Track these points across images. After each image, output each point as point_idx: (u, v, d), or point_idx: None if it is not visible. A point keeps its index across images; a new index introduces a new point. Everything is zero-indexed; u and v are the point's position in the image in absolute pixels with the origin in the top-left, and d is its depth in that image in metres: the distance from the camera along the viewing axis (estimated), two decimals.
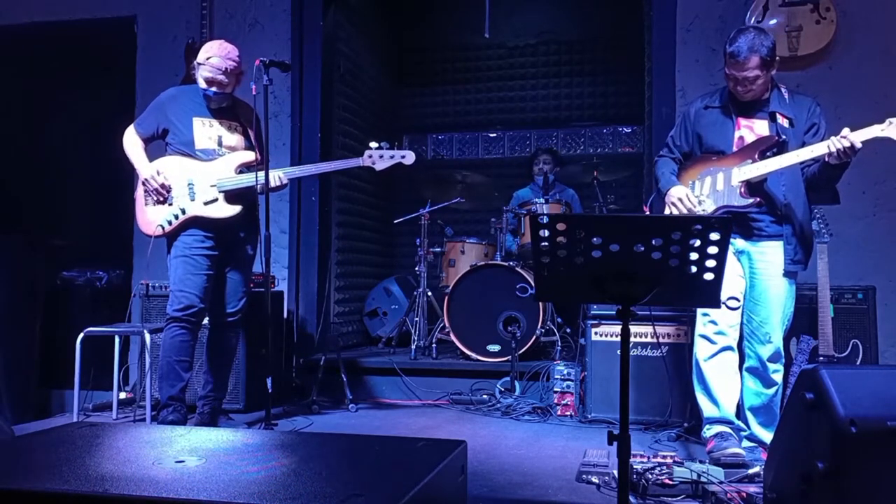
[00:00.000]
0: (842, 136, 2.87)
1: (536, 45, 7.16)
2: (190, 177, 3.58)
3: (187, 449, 2.16)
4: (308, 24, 5.16)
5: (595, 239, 1.93)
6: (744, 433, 3.25)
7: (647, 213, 3.74)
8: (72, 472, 1.88)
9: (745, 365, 3.25)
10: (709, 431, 3.21)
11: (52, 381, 4.47)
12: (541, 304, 4.67)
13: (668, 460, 2.82)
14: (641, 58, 5.09)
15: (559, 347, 4.84)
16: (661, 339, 3.86)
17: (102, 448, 2.17)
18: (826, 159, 2.96)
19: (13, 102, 5.39)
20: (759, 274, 3.18)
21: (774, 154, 3.06)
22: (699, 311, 3.30)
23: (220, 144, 3.65)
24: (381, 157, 3.68)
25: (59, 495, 1.71)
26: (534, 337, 4.68)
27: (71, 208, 5.48)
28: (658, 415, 3.83)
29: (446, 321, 4.86)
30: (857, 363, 3.67)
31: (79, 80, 5.31)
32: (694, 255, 1.94)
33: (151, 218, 3.59)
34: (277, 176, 3.59)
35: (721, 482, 2.61)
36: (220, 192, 3.58)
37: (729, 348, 3.20)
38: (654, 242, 1.92)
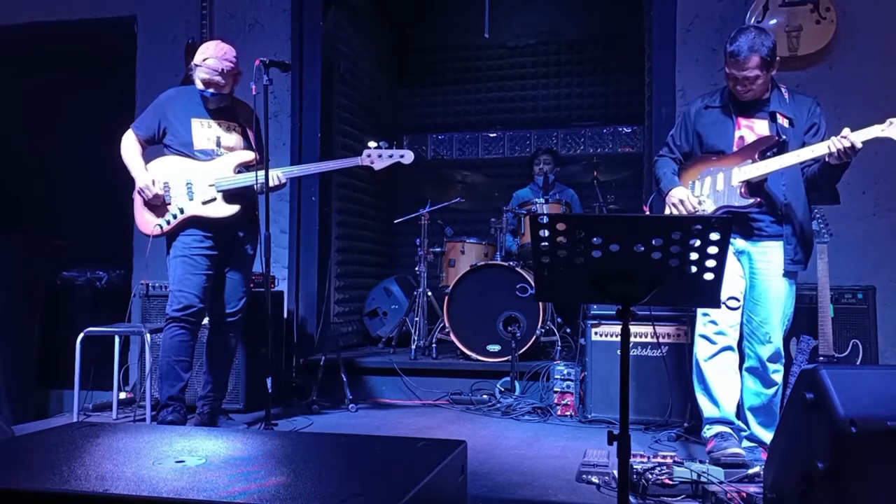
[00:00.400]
0: (842, 137, 2.87)
1: (536, 45, 7.16)
2: (188, 176, 3.58)
3: (187, 449, 2.16)
4: (308, 24, 5.16)
5: (595, 239, 1.93)
6: (744, 433, 3.25)
7: (647, 213, 3.74)
8: (72, 472, 1.88)
9: (745, 365, 3.25)
10: (709, 431, 3.21)
11: (52, 381, 4.47)
12: (541, 304, 4.67)
13: (668, 460, 2.82)
14: (641, 58, 5.09)
15: (559, 347, 4.84)
16: (661, 339, 3.86)
17: (102, 448, 2.17)
18: (826, 159, 2.96)
19: (13, 102, 5.39)
20: (759, 274, 3.17)
21: (775, 154, 3.06)
22: (699, 311, 3.30)
23: (218, 145, 3.65)
24: (379, 156, 3.69)
25: (59, 495, 1.71)
26: (534, 337, 4.67)
27: (71, 208, 5.48)
28: (658, 415, 3.83)
29: (446, 321, 4.86)
30: (857, 363, 3.67)
31: (79, 81, 5.32)
32: (694, 255, 1.94)
33: (150, 218, 3.60)
34: (276, 175, 3.59)
35: (721, 482, 2.61)
36: (218, 191, 3.58)
37: (729, 348, 3.20)
38: (654, 242, 1.92)
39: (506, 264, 4.83)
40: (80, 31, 5.31)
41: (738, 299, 3.18)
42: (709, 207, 3.17)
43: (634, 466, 2.68)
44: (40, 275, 4.55)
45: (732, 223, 2.02)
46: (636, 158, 6.07)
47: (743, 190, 3.12)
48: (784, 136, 3.10)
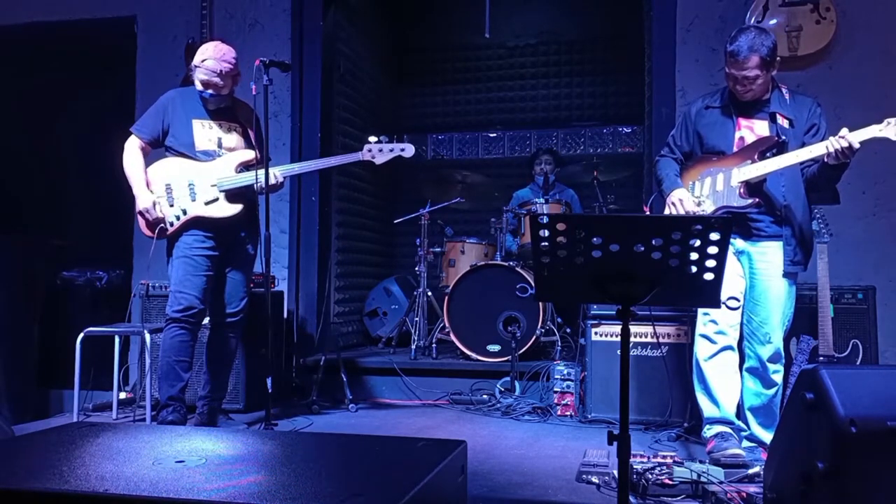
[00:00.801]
0: (840, 137, 2.87)
1: (536, 45, 7.16)
2: (190, 177, 3.58)
3: (187, 449, 2.16)
4: (308, 24, 5.16)
5: (595, 239, 1.93)
6: (744, 433, 3.25)
7: (647, 213, 3.74)
8: (72, 472, 1.88)
9: (745, 365, 3.25)
10: (709, 431, 3.21)
11: (52, 381, 4.47)
12: (541, 304, 4.67)
13: (668, 460, 2.82)
14: (641, 58, 5.09)
15: (559, 347, 4.84)
16: (661, 339, 3.86)
17: (102, 448, 2.17)
18: (825, 160, 2.96)
19: (13, 102, 5.39)
20: (759, 274, 3.17)
21: (774, 155, 3.06)
22: (700, 310, 3.30)
23: (219, 146, 3.66)
24: (380, 150, 3.69)
25: (59, 495, 1.71)
26: (534, 337, 4.67)
27: (71, 208, 5.48)
28: (658, 415, 3.83)
29: (446, 321, 4.86)
30: (857, 363, 3.67)
31: (79, 80, 5.32)
32: (694, 255, 1.94)
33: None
34: (274, 174, 3.58)
35: (721, 482, 2.61)
36: (220, 191, 3.58)
37: (729, 348, 3.20)
38: (654, 242, 1.92)
39: (506, 264, 4.83)
40: (80, 31, 5.31)
41: (738, 299, 3.18)
42: (708, 208, 3.17)
43: (634, 466, 2.68)
44: (40, 275, 4.55)
45: (732, 223, 2.02)
46: (636, 158, 6.07)
47: (742, 190, 3.12)
48: (784, 137, 3.10)
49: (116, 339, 4.13)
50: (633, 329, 3.85)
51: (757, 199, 3.12)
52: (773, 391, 3.20)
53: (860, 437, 1.81)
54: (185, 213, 3.57)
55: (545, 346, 4.97)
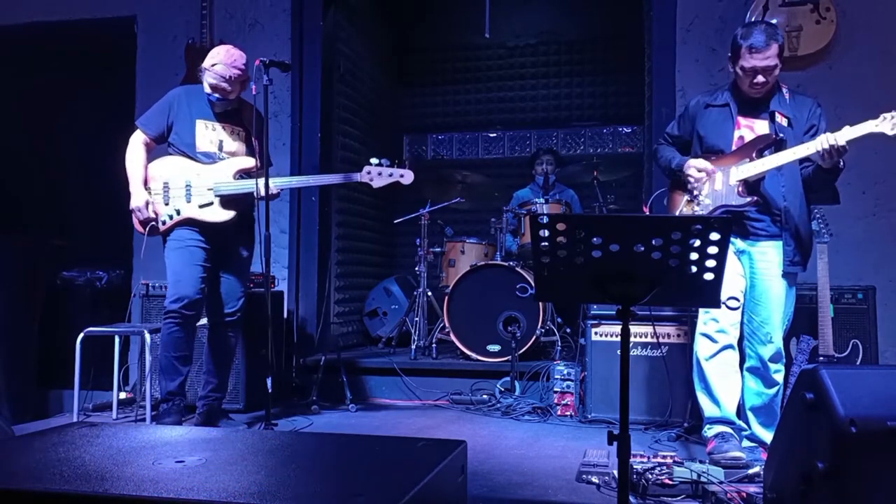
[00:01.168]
0: (827, 136, 2.88)
1: (536, 45, 7.16)
2: (188, 178, 3.59)
3: (187, 449, 2.16)
4: (308, 24, 5.16)
5: (595, 239, 1.93)
6: (745, 433, 3.25)
7: (647, 213, 3.74)
8: (72, 472, 1.87)
9: (746, 365, 3.25)
10: (710, 431, 3.21)
11: (52, 381, 4.47)
12: (541, 304, 4.67)
13: (668, 460, 2.82)
14: (641, 58, 5.09)
15: (559, 347, 4.84)
16: (661, 339, 3.86)
17: (102, 448, 2.17)
18: (819, 163, 2.96)
19: (13, 102, 5.39)
20: (759, 274, 3.17)
21: (772, 153, 3.06)
22: (701, 309, 3.30)
23: (220, 148, 3.66)
24: (379, 174, 3.68)
25: (59, 495, 1.71)
26: (534, 337, 4.67)
27: (71, 208, 5.48)
28: (658, 415, 3.83)
29: (446, 321, 4.86)
30: (857, 363, 3.67)
31: (79, 80, 5.32)
32: (694, 255, 1.94)
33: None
34: (272, 185, 3.54)
35: (721, 482, 2.61)
36: (216, 195, 3.58)
37: (730, 347, 3.20)
38: (654, 242, 1.92)
39: (506, 264, 4.83)
40: (80, 31, 5.31)
41: (738, 299, 3.18)
42: (707, 207, 3.17)
43: (634, 466, 2.68)
44: (40, 275, 4.55)
45: (732, 223, 2.02)
46: (636, 158, 6.07)
47: (741, 189, 3.12)
48: (781, 135, 3.10)
49: (116, 339, 4.13)
50: (633, 329, 3.85)
51: (755, 198, 3.12)
52: (774, 391, 3.20)
53: (860, 437, 1.81)
54: (178, 213, 3.57)
55: (545, 346, 4.97)
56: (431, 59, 7.38)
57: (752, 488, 2.53)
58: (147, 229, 3.58)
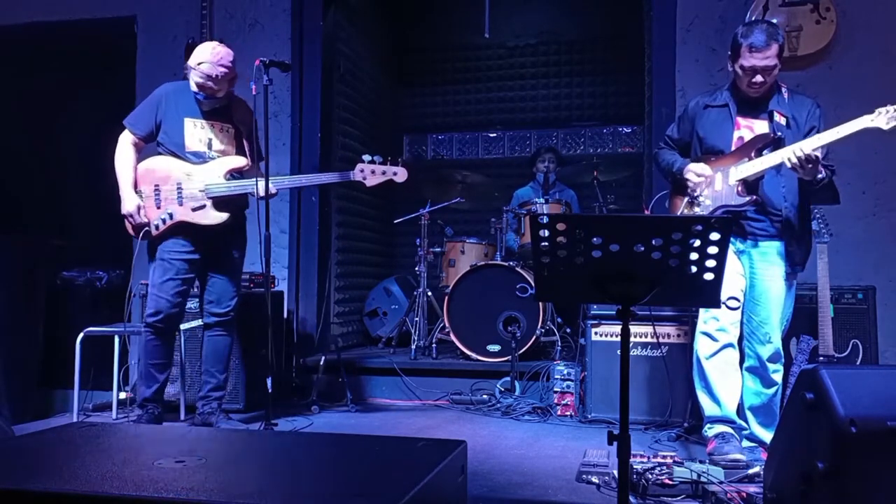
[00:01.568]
0: (793, 147, 2.89)
1: (536, 45, 7.16)
2: (179, 179, 3.54)
3: (187, 449, 2.16)
4: (308, 24, 5.16)
5: (595, 239, 1.93)
6: (745, 432, 3.25)
7: (647, 213, 3.74)
8: (72, 472, 1.87)
9: (745, 364, 3.25)
10: (710, 431, 3.21)
11: (52, 380, 4.47)
12: (541, 304, 4.67)
13: (668, 460, 2.82)
14: (641, 58, 5.09)
15: (559, 347, 4.84)
16: (661, 339, 3.86)
17: (102, 448, 2.17)
18: (797, 174, 2.97)
19: (13, 102, 5.39)
20: (759, 274, 3.17)
21: (771, 151, 3.06)
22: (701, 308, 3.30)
23: (210, 147, 3.60)
24: (372, 172, 3.62)
25: (59, 495, 1.71)
26: (534, 337, 4.67)
27: (71, 208, 5.48)
28: (658, 415, 3.83)
29: (446, 321, 4.86)
30: (857, 363, 3.67)
31: (79, 80, 5.31)
32: (694, 255, 1.94)
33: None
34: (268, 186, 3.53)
35: (721, 482, 2.61)
36: (208, 197, 3.54)
37: (730, 346, 3.20)
38: (654, 242, 1.92)
39: (506, 264, 4.83)
40: (80, 31, 5.31)
41: (737, 299, 3.18)
42: (707, 207, 3.17)
43: (634, 466, 2.68)
44: (40, 275, 4.55)
45: (732, 223, 2.03)
46: (636, 158, 6.07)
47: (740, 189, 3.12)
48: (780, 133, 3.10)
49: (116, 339, 4.13)
50: (633, 329, 3.85)
51: (754, 197, 3.12)
52: (773, 390, 3.20)
53: (860, 437, 1.81)
54: (171, 216, 3.53)
55: (545, 346, 4.97)
56: (431, 59, 7.38)
57: (752, 488, 2.53)
58: (141, 234, 3.55)
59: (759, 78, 3.07)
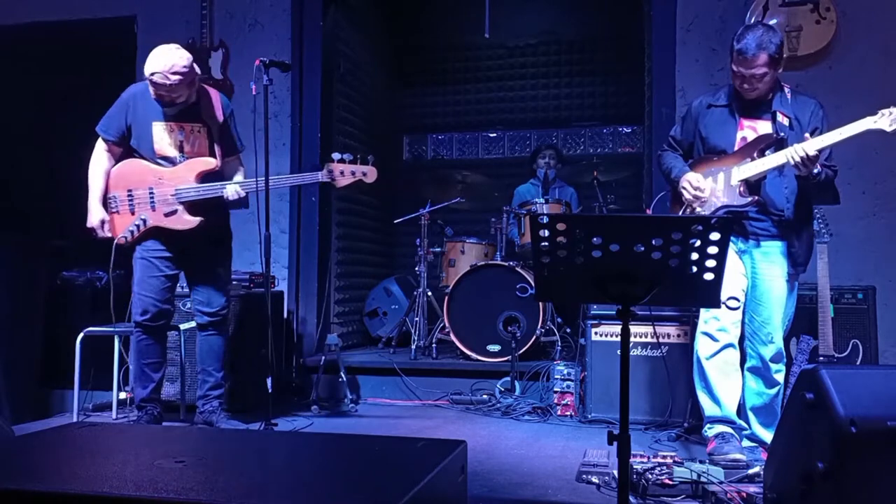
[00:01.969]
0: (796, 147, 2.88)
1: (536, 45, 7.16)
2: (150, 183, 3.50)
3: (187, 449, 2.16)
4: (308, 24, 5.16)
5: (595, 239, 1.93)
6: (745, 432, 3.24)
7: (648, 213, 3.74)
8: (72, 472, 1.88)
9: (747, 365, 3.25)
10: (710, 431, 3.21)
11: (52, 380, 4.47)
12: (541, 304, 4.67)
13: (668, 460, 2.82)
14: (641, 58, 5.09)
15: (559, 347, 4.84)
16: (661, 339, 3.85)
17: (102, 448, 2.17)
18: (796, 172, 2.97)
19: (13, 102, 5.39)
20: (761, 274, 3.17)
21: (774, 152, 3.06)
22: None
23: (181, 150, 3.54)
24: (342, 172, 3.52)
25: (59, 495, 1.71)
26: (534, 337, 4.67)
27: (71, 208, 5.47)
28: (658, 415, 3.83)
29: (446, 321, 4.86)
30: (857, 363, 3.67)
31: (79, 80, 5.30)
32: (694, 256, 1.94)
33: (117, 224, 3.55)
34: (235, 189, 3.48)
35: (721, 482, 2.61)
36: (179, 202, 3.49)
37: (731, 346, 3.19)
38: (654, 242, 1.92)
39: (506, 264, 4.83)
40: (80, 31, 5.31)
41: (738, 299, 3.18)
42: (709, 207, 3.17)
43: (634, 466, 2.68)
44: (41, 275, 4.55)
45: (732, 223, 2.03)
46: (636, 158, 6.07)
47: (742, 189, 3.12)
48: (783, 134, 3.10)
49: (116, 339, 4.13)
50: (634, 329, 3.85)
51: (756, 198, 3.12)
52: (774, 391, 3.20)
53: (860, 437, 1.81)
54: (144, 222, 3.50)
55: (545, 346, 4.97)
56: (431, 59, 7.37)
57: (752, 488, 2.53)
58: (118, 239, 3.51)
59: (746, 84, 3.07)
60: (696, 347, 3.29)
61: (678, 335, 3.88)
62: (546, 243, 1.98)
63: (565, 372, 4.14)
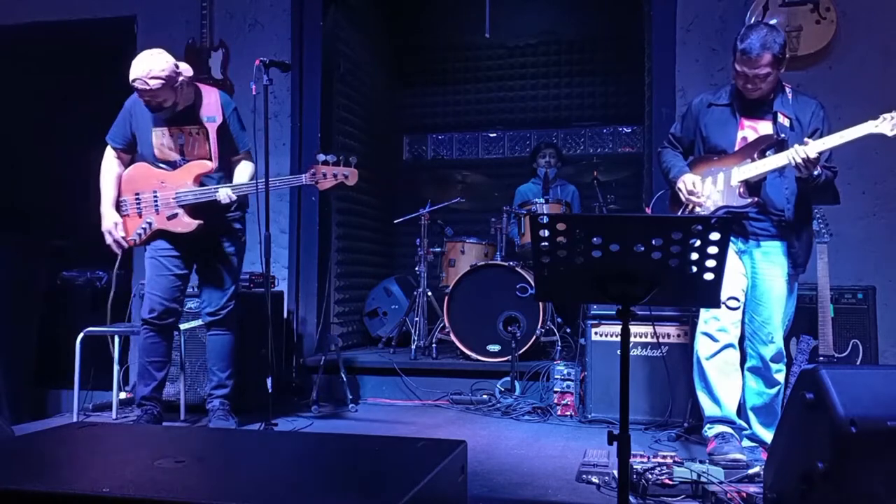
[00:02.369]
0: (797, 148, 2.88)
1: (536, 45, 7.16)
2: (154, 187, 3.54)
3: (187, 449, 2.16)
4: (308, 24, 5.16)
5: (595, 239, 1.93)
6: (745, 432, 3.24)
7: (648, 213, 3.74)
8: (72, 472, 1.88)
9: (747, 365, 3.25)
10: (710, 431, 3.21)
11: (52, 380, 4.47)
12: (541, 304, 4.67)
13: (668, 460, 2.82)
14: (641, 58, 5.09)
15: (559, 347, 4.84)
16: (661, 339, 3.85)
17: (102, 448, 2.17)
18: (797, 174, 2.97)
19: (13, 102, 5.39)
20: (761, 274, 3.17)
21: (775, 153, 3.06)
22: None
23: (182, 153, 3.56)
24: (324, 175, 3.50)
25: (59, 495, 1.71)
26: (534, 337, 4.67)
27: (71, 208, 5.47)
28: (658, 415, 3.83)
29: (446, 321, 4.86)
30: (857, 363, 3.67)
31: (79, 80, 5.31)
32: (694, 256, 1.94)
33: (128, 227, 3.59)
34: (227, 193, 3.49)
35: (721, 482, 2.61)
36: (179, 205, 3.52)
37: (731, 346, 3.19)
38: (654, 242, 1.92)
39: (506, 264, 4.83)
40: (80, 31, 5.31)
41: (738, 299, 3.18)
42: (709, 207, 3.17)
43: (634, 466, 2.68)
44: (40, 275, 4.55)
45: (732, 223, 2.03)
46: (636, 158, 6.07)
47: (742, 190, 3.12)
48: (783, 135, 3.10)
49: (116, 339, 4.13)
50: (633, 329, 3.84)
51: (756, 199, 3.12)
52: (775, 391, 3.20)
53: (860, 437, 1.81)
54: (150, 226, 3.55)
55: (545, 346, 4.97)
56: (431, 59, 7.37)
57: (752, 488, 2.53)
58: (128, 241, 3.56)
59: (749, 84, 3.07)
60: (696, 347, 3.29)
61: (678, 335, 3.88)
62: (546, 243, 1.98)
63: (565, 372, 4.14)
